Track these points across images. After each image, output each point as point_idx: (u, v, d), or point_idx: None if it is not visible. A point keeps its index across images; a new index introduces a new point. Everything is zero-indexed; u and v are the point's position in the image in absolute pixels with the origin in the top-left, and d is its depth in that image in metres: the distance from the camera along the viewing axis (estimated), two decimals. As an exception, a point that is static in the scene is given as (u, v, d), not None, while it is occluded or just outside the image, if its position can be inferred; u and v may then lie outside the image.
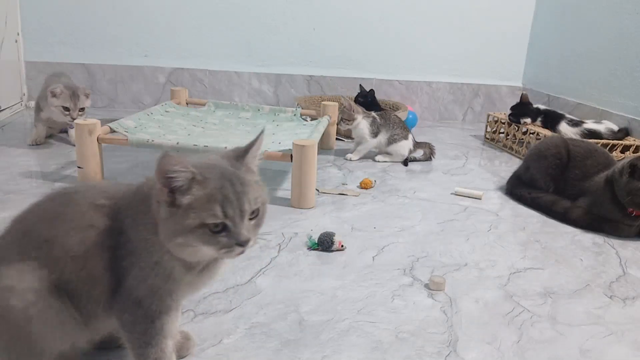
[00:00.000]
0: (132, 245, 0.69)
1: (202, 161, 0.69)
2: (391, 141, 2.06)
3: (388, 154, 2.09)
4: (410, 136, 2.09)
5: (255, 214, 0.69)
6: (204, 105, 2.19)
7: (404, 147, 2.07)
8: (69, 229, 0.70)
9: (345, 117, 2.04)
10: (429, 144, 2.14)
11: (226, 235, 0.65)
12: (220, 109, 2.18)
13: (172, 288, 0.71)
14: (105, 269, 0.70)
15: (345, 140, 2.36)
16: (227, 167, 0.68)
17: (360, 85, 2.59)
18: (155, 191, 0.67)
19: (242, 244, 0.66)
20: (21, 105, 2.59)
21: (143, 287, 0.70)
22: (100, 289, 0.71)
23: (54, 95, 1.89)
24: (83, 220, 0.71)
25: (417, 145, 2.12)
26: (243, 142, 1.85)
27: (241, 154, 0.71)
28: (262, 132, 0.72)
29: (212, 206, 0.64)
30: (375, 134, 2.06)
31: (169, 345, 0.74)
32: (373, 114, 2.08)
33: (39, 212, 0.74)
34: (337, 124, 2.10)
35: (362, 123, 2.05)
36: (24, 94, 2.63)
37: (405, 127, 2.10)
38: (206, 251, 0.66)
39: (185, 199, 0.65)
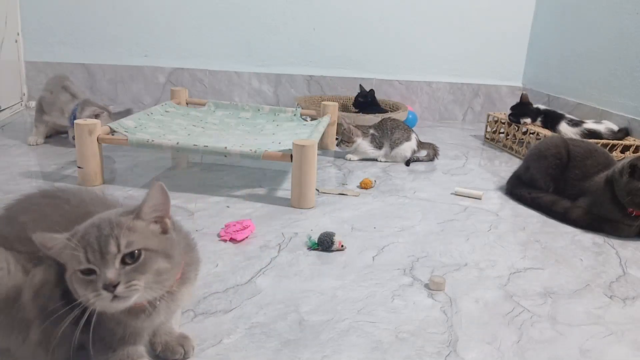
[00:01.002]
0: None
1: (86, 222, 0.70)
2: (394, 147, 2.07)
3: (391, 156, 2.10)
4: (413, 136, 2.09)
5: (135, 260, 0.67)
6: (204, 105, 2.19)
7: (406, 149, 2.07)
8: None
9: (345, 139, 2.05)
10: (433, 144, 2.14)
11: (96, 278, 0.66)
12: (220, 109, 2.18)
13: (126, 332, 0.73)
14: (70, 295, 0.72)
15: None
16: (101, 216, 0.69)
17: (360, 85, 2.59)
18: None
19: (106, 287, 0.64)
20: (21, 105, 2.59)
21: (101, 328, 0.71)
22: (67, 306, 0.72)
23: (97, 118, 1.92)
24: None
25: (421, 145, 2.11)
26: (243, 142, 1.84)
27: (138, 206, 0.71)
28: (154, 181, 0.73)
29: (77, 254, 0.65)
30: (379, 147, 2.07)
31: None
32: (371, 130, 2.08)
33: (28, 206, 0.78)
34: (337, 145, 2.11)
35: (362, 144, 2.06)
36: (24, 94, 2.63)
37: (406, 129, 2.10)
38: (88, 296, 0.65)
39: (63, 261, 0.68)
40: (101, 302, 0.65)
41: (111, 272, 0.65)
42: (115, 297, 0.65)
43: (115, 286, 0.65)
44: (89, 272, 0.66)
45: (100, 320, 0.70)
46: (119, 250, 0.66)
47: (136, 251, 0.67)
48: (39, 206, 0.77)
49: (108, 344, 0.73)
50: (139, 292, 0.67)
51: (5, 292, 0.70)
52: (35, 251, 0.72)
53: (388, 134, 2.07)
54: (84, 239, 0.66)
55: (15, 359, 0.72)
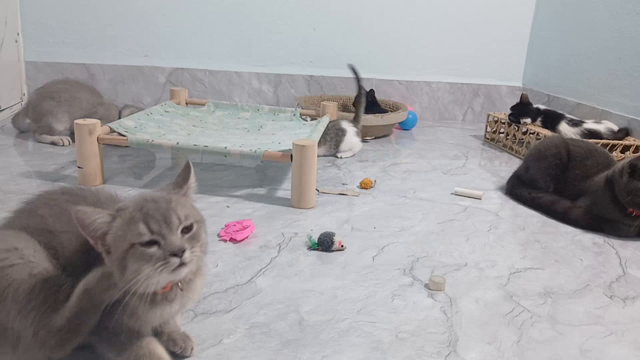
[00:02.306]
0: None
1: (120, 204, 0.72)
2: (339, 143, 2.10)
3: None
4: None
5: (189, 230, 0.71)
6: (203, 105, 2.19)
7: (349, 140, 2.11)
8: (70, 232, 0.75)
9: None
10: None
11: (158, 248, 0.67)
12: (220, 109, 2.18)
13: (138, 324, 0.74)
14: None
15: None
16: (151, 193, 0.72)
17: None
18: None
19: (176, 253, 0.67)
20: (21, 105, 2.59)
21: (112, 321, 0.73)
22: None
23: None
24: (80, 236, 0.73)
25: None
26: (243, 142, 1.84)
27: (181, 182, 0.76)
28: (187, 162, 0.79)
29: (136, 226, 0.67)
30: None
31: (146, 353, 0.77)
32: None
33: (48, 201, 0.80)
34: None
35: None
36: (24, 94, 2.63)
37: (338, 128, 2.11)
38: (147, 270, 0.66)
39: (110, 236, 0.68)
40: (166, 271, 0.67)
41: (178, 239, 0.68)
42: (181, 264, 0.68)
43: (183, 252, 0.67)
44: (150, 244, 0.67)
45: (114, 308, 0.71)
46: (180, 222, 0.69)
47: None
48: (58, 202, 0.79)
49: (115, 337, 0.74)
50: (195, 260, 0.70)
51: (28, 273, 0.71)
52: (52, 242, 0.75)
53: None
54: (141, 212, 0.68)
55: (22, 346, 0.72)
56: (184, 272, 0.69)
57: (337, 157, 2.11)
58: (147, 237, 0.66)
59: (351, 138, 2.10)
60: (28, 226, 0.77)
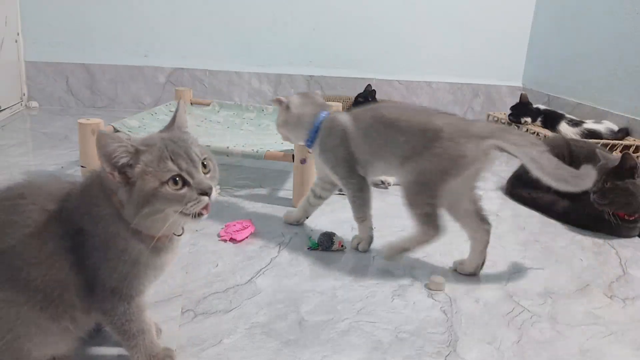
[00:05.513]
0: (95, 240, 0.71)
1: (139, 138, 0.73)
2: None
3: None
4: None
5: (208, 169, 0.73)
6: (208, 105, 2.19)
7: None
8: (25, 236, 0.69)
9: None
10: None
11: (188, 188, 0.69)
12: (224, 109, 2.18)
13: (139, 272, 0.74)
14: (71, 270, 0.72)
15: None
16: (164, 134, 0.74)
17: (369, 84, 2.56)
18: (107, 181, 0.69)
19: (206, 191, 0.69)
20: (21, 105, 2.59)
21: (114, 277, 0.73)
22: (72, 290, 0.72)
23: None
24: (39, 227, 0.70)
25: None
26: (245, 141, 1.83)
27: (171, 122, 0.78)
28: (179, 102, 0.81)
29: (164, 163, 0.68)
30: None
31: (147, 316, 0.79)
32: None
33: None
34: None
35: None
36: (24, 94, 2.63)
37: None
38: (173, 210, 0.68)
39: (136, 170, 0.68)
40: (195, 209, 0.69)
41: (204, 178, 0.70)
42: (199, 214, 0.70)
43: (210, 190, 0.70)
44: (175, 181, 0.68)
45: (116, 265, 0.72)
46: (199, 158, 0.71)
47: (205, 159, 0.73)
48: None
49: (118, 296, 0.74)
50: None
51: None
52: (11, 262, 0.69)
53: None
54: (166, 149, 0.69)
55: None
56: (203, 218, 0.71)
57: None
58: (175, 171, 0.68)
59: None
60: None
